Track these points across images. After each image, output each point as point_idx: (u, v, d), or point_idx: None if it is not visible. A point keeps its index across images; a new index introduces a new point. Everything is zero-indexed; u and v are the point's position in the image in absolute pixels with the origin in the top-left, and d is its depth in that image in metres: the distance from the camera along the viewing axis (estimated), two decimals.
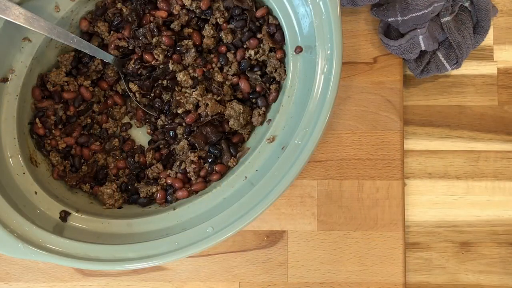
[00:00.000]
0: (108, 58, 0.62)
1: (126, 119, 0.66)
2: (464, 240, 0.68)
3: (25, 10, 0.56)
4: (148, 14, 0.62)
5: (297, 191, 0.66)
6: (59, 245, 0.55)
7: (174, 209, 0.59)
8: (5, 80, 0.59)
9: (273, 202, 0.55)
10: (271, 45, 0.61)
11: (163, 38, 0.61)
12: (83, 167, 0.63)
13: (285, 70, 0.61)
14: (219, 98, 0.62)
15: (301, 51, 0.58)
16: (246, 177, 0.58)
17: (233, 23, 0.62)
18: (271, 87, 0.61)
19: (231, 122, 0.61)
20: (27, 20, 0.56)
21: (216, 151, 0.61)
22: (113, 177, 0.63)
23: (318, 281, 0.66)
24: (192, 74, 0.62)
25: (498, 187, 0.68)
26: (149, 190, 0.62)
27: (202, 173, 0.61)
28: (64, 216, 0.58)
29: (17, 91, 0.59)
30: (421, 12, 0.61)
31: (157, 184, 0.62)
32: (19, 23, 0.56)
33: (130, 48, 0.62)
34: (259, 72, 0.62)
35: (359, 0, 0.64)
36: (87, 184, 0.62)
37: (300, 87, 0.59)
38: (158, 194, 0.61)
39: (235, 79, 0.62)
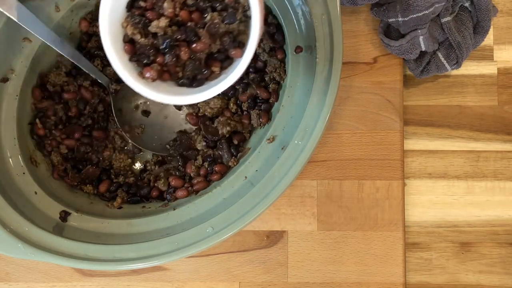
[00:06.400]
0: (103, 80, 0.62)
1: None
2: (464, 240, 0.68)
3: (23, 6, 0.54)
4: None
5: (297, 191, 0.66)
6: (59, 245, 0.55)
7: (174, 209, 0.59)
8: (5, 80, 0.59)
9: (273, 202, 0.55)
10: (271, 45, 0.61)
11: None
12: (85, 169, 0.62)
13: (285, 70, 0.61)
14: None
15: (301, 51, 0.58)
16: (246, 177, 0.58)
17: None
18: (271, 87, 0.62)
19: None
20: (20, 15, 0.53)
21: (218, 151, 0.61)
22: (113, 177, 0.63)
23: (318, 281, 0.66)
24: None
25: (498, 187, 0.68)
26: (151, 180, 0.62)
27: (202, 172, 0.61)
28: (64, 216, 0.58)
29: (17, 91, 0.59)
30: (422, 13, 0.61)
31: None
32: (12, 17, 0.53)
33: None
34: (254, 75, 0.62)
35: None
36: (88, 185, 0.62)
37: (300, 87, 0.58)
38: (153, 192, 0.61)
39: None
